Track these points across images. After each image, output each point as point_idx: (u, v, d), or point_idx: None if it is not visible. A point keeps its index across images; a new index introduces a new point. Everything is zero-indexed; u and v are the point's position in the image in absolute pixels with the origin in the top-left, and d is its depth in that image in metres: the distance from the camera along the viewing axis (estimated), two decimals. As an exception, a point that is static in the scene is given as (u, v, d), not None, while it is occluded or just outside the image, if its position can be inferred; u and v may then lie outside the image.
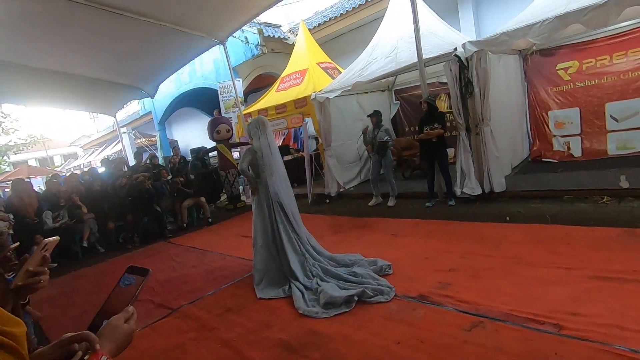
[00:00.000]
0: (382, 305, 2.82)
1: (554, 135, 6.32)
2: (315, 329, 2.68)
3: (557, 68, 6.16)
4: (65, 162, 27.81)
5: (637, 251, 2.89)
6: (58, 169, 23.07)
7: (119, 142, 13.00)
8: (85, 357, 0.70)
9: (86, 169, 12.03)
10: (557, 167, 5.69)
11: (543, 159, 6.28)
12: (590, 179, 4.72)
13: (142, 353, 2.79)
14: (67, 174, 10.02)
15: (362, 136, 6.09)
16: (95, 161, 18.49)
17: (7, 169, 23.02)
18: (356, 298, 2.90)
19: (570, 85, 6.10)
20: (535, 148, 6.52)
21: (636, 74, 5.49)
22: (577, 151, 6.07)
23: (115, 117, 10.59)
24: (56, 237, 0.98)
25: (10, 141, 21.67)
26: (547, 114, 6.40)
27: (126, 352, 2.60)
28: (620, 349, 1.89)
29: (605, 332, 2.02)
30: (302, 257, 3.52)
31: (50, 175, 8.40)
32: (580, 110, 6.04)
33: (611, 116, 5.76)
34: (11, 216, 5.68)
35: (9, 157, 23.87)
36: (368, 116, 5.88)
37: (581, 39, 5.82)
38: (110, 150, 17.37)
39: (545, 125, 6.43)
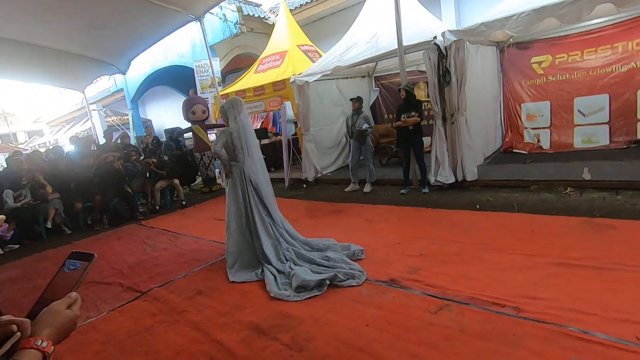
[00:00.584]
0: (353, 289, 2.86)
1: (525, 128, 6.52)
2: (287, 311, 2.70)
3: (531, 61, 6.30)
4: (29, 139, 26.32)
5: (594, 240, 3.06)
6: (21, 146, 21.82)
7: (88, 119, 12.38)
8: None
9: (51, 147, 11.44)
10: (526, 158, 5.88)
11: (514, 150, 6.47)
12: (556, 171, 4.91)
13: (108, 336, 2.73)
14: (31, 151, 9.49)
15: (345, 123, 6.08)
16: (62, 139, 17.61)
17: (-35, 144, 21.61)
18: (328, 282, 2.94)
19: (543, 79, 6.27)
20: (507, 139, 6.71)
21: (604, 70, 5.70)
22: (546, 143, 6.29)
23: (84, 93, 10.06)
24: (1, 216, 0.92)
25: (-33, 115, 20.30)
26: (520, 106, 6.58)
27: (90, 336, 2.53)
28: (572, 330, 2.01)
29: (560, 315, 2.14)
30: (276, 241, 3.51)
31: (12, 152, 7.94)
32: (551, 104, 6.24)
33: (579, 110, 5.99)
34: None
35: (-34, 132, 22.40)
36: (351, 100, 5.85)
37: (555, 34, 5.96)
38: (79, 128, 16.57)
39: (517, 117, 6.62)
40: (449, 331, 2.19)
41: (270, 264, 3.36)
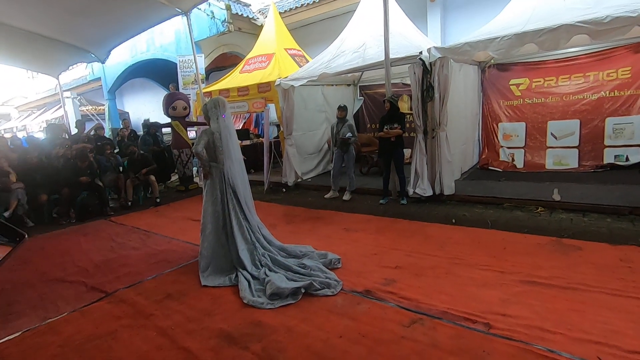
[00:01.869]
0: (328, 299, 2.84)
1: (502, 146, 6.75)
2: (259, 319, 2.64)
3: (510, 83, 6.56)
4: (-6, 122, 24.87)
5: (560, 259, 3.18)
6: (-15, 129, 20.56)
7: (60, 107, 11.82)
8: None
9: (19, 133, 10.86)
10: (501, 176, 6.09)
11: (490, 167, 6.68)
12: (528, 190, 5.10)
13: (66, 339, 2.58)
14: (-5, 137, 8.95)
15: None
16: (31, 125, 16.73)
17: None
18: (303, 290, 2.90)
19: (520, 100, 6.54)
20: (484, 156, 6.93)
21: (576, 97, 6.01)
22: (519, 163, 6.54)
23: (58, 79, 9.63)
24: None
25: None
26: (497, 126, 6.82)
27: (47, 338, 2.38)
28: (538, 348, 2.06)
29: (528, 333, 2.20)
30: (252, 246, 3.44)
31: (-27, 136, 7.46)
32: (526, 125, 6.50)
33: (552, 133, 6.27)
34: None
35: None
36: (338, 108, 5.85)
37: (534, 58, 6.24)
38: (51, 115, 15.79)
39: (494, 136, 6.85)
40: (420, 346, 2.20)
41: (244, 269, 3.28)
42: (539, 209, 4.50)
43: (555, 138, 6.26)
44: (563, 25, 3.91)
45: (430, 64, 4.94)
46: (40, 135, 10.41)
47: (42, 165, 6.23)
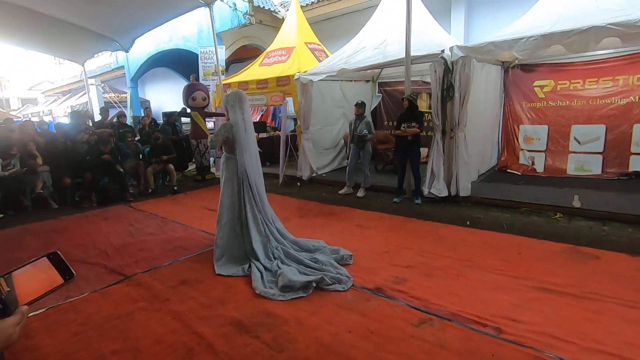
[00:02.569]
0: (338, 294, 2.88)
1: (522, 149, 6.61)
2: (270, 310, 2.70)
3: (534, 84, 6.39)
4: (22, 106, 25.79)
5: (577, 267, 3.12)
6: (14, 112, 21.36)
7: (85, 93, 12.16)
8: None
9: (45, 118, 11.23)
10: (519, 180, 5.97)
11: (508, 170, 6.56)
12: (547, 195, 4.99)
13: (88, 317, 2.70)
14: (23, 120, 9.29)
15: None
16: (56, 110, 17.29)
17: (-45, 105, 21.12)
18: (314, 284, 2.94)
19: (544, 103, 6.36)
20: (502, 158, 6.80)
21: (603, 101, 5.81)
22: (540, 167, 6.39)
23: (83, 66, 9.90)
24: None
25: (-40, 75, 19.82)
26: (518, 128, 6.67)
27: (69, 316, 2.49)
28: (549, 356, 2.04)
29: (539, 340, 2.18)
30: (266, 238, 3.50)
31: (3, 120, 7.77)
32: (549, 128, 6.34)
33: (575, 138, 6.10)
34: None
35: (-43, 93, 21.86)
36: (355, 105, 5.84)
37: (560, 60, 6.05)
38: (75, 101, 16.27)
39: (515, 138, 6.71)
40: (429, 345, 2.21)
41: (258, 260, 3.35)
42: (557, 215, 4.41)
43: (579, 143, 6.08)
44: (593, 27, 3.79)
45: (452, 62, 4.86)
46: (65, 121, 10.74)
47: (66, 150, 6.45)
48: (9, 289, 0.69)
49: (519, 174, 6.39)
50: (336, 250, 3.53)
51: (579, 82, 6.01)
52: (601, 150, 5.88)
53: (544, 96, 6.34)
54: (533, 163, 6.46)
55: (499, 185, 5.74)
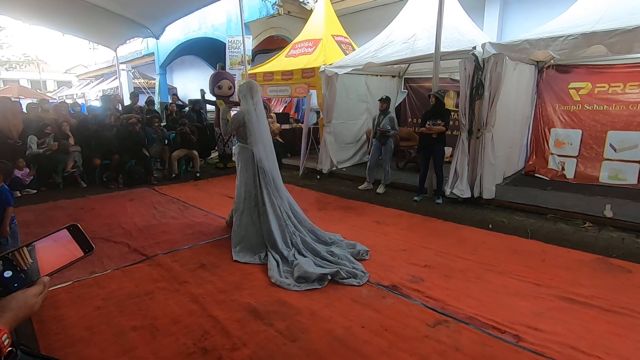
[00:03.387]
0: (353, 288, 2.87)
1: (552, 153, 6.35)
2: (284, 299, 2.72)
3: (569, 86, 6.11)
4: (58, 88, 26.89)
5: (605, 279, 2.98)
6: (50, 94, 22.31)
7: (116, 78, 12.54)
8: None
9: (78, 100, 11.65)
10: (547, 185, 5.75)
11: (536, 175, 6.32)
12: (576, 202, 4.79)
13: (109, 293, 2.81)
14: (58, 101, 9.68)
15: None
16: (89, 93, 17.92)
17: (-3, 84, 22.22)
18: (329, 277, 2.95)
19: (579, 106, 6.07)
20: (530, 162, 6.55)
21: (645, 107, 5.48)
22: (570, 173, 6.13)
23: (115, 51, 10.17)
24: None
25: (2, 56, 20.80)
26: (549, 131, 6.40)
27: (93, 290, 2.57)
28: (570, 368, 1.97)
29: (560, 351, 2.10)
30: (283, 223, 3.51)
31: (38, 100, 8.11)
32: (583, 133, 6.05)
33: (610, 145, 5.79)
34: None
35: (0, 73, 23.00)
36: (380, 100, 5.76)
37: (599, 61, 5.75)
38: (107, 85, 16.81)
39: (545, 142, 6.45)
40: (443, 347, 2.17)
41: (276, 245, 3.37)
42: (587, 224, 4.22)
43: (614, 150, 5.78)
44: (639, 27, 3.56)
45: (483, 60, 4.70)
46: (97, 104, 11.11)
47: (96, 132, 6.68)
48: (32, 261, 0.71)
49: (547, 179, 6.15)
50: (353, 245, 3.52)
51: (619, 86, 5.69)
52: (639, 158, 5.57)
53: (579, 99, 6.05)
54: (563, 168, 6.19)
55: (525, 189, 5.55)
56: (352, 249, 3.47)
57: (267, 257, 3.33)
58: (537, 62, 6.26)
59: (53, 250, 0.74)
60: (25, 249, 0.72)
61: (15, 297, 0.68)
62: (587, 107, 6.00)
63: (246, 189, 3.63)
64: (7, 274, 0.68)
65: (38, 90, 22.09)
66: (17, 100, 11.01)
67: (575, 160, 6.12)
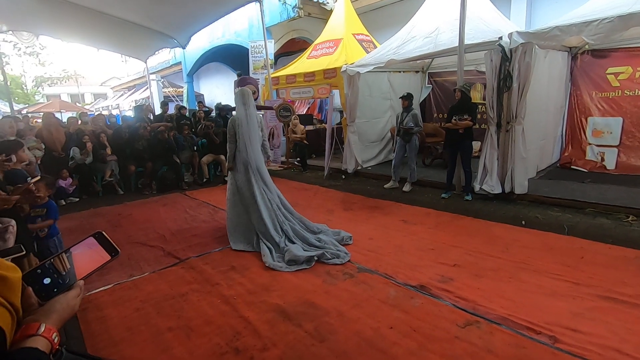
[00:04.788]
0: (381, 289, 2.86)
1: (589, 144, 6.01)
2: (312, 300, 2.75)
3: (607, 72, 5.75)
4: (95, 100, 28.48)
5: (653, 277, 2.80)
6: (87, 106, 23.67)
7: (147, 88, 13.13)
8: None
9: (113, 111, 12.29)
10: (585, 177, 5.45)
11: (572, 167, 6.01)
12: (618, 195, 4.51)
13: (147, 296, 2.95)
14: (96, 114, 10.27)
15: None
16: (123, 103, 18.86)
17: (41, 100, 23.81)
18: (316, 258, 3.37)
19: (618, 92, 5.71)
20: (566, 154, 6.24)
21: (694, 90, 5.07)
22: (610, 163, 5.77)
23: (145, 62, 10.64)
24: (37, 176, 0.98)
25: (45, 73, 22.28)
26: (586, 120, 6.06)
27: (132, 293, 2.72)
28: (612, 372, 1.87)
29: (602, 353, 2.00)
30: (273, 214, 3.85)
31: (78, 113, 8.63)
32: (624, 121, 5.68)
33: (655, 132, 5.41)
34: (43, 146, 5.93)
35: (43, 89, 24.65)
36: (400, 98, 5.70)
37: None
38: (139, 96, 17.63)
39: (582, 132, 6.11)
40: (475, 349, 2.12)
41: (267, 234, 3.70)
42: (630, 218, 3.96)
43: (660, 137, 5.39)
44: (684, 4, 3.31)
45: (511, 50, 4.52)
46: (130, 114, 11.68)
47: (131, 141, 7.03)
48: (69, 266, 0.78)
49: (586, 171, 5.83)
50: (337, 233, 3.91)
51: (663, 68, 5.30)
52: (688, 145, 5.17)
53: (618, 84, 5.68)
54: (603, 159, 5.85)
55: (561, 182, 5.29)
56: (337, 235, 3.84)
57: (259, 245, 3.69)
58: (570, 48, 5.95)
59: (84, 256, 0.82)
60: (63, 255, 0.79)
61: (58, 300, 0.74)
62: (628, 93, 5.62)
63: (239, 185, 3.94)
64: (46, 281, 0.75)
65: (77, 104, 23.51)
66: (60, 114, 11.77)
67: (616, 150, 5.75)
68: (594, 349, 2.03)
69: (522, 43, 4.41)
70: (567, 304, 2.50)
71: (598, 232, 3.71)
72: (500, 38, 4.62)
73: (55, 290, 0.75)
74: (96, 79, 30.70)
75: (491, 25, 5.41)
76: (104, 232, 0.85)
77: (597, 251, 3.29)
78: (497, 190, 4.85)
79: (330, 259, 3.35)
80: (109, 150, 6.69)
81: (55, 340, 0.69)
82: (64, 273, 0.77)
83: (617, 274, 2.86)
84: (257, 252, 3.66)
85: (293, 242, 3.67)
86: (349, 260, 3.35)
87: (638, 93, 5.54)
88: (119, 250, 0.84)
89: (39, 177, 2.86)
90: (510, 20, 6.50)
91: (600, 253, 3.25)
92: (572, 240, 3.57)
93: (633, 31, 3.79)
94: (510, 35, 4.52)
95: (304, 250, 3.50)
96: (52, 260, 0.78)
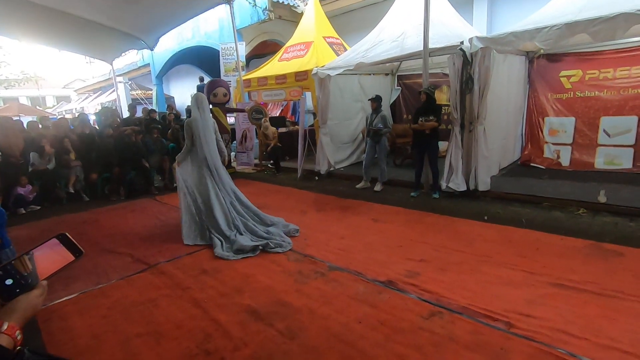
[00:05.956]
0: (350, 286, 2.94)
1: (546, 142, 6.38)
2: (284, 300, 2.80)
3: (560, 75, 6.14)
4: (57, 103, 27.15)
5: (597, 264, 3.04)
6: (49, 110, 22.54)
7: (114, 90, 12.69)
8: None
9: (77, 115, 11.80)
10: (543, 174, 5.79)
11: (532, 164, 6.37)
12: (571, 190, 4.83)
13: (115, 303, 2.89)
14: (58, 117, 9.83)
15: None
16: (88, 107, 18.11)
17: (-3, 103, 22.45)
18: (261, 247, 3.73)
19: (571, 94, 6.11)
20: (526, 152, 6.60)
21: (636, 91, 5.51)
22: (565, 160, 6.16)
23: (112, 64, 10.32)
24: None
25: (1, 75, 21.03)
26: (543, 120, 6.44)
27: (98, 301, 2.67)
28: (560, 352, 2.03)
29: (551, 335, 2.16)
30: (226, 209, 4.13)
31: (39, 117, 8.25)
32: (576, 120, 6.08)
33: (604, 130, 5.82)
34: (-2, 152, 5.63)
35: (-1, 92, 23.25)
36: (369, 100, 5.84)
37: (588, 48, 5.78)
38: (105, 98, 17.00)
39: (539, 131, 6.48)
40: (437, 337, 2.24)
41: (219, 228, 3.98)
42: (581, 211, 4.27)
43: (609, 135, 5.81)
44: (621, 14, 3.61)
45: (471, 54, 4.76)
46: (94, 118, 11.24)
47: (95, 146, 6.79)
48: (31, 267, 0.80)
49: (543, 167, 6.20)
50: (286, 225, 4.24)
51: (609, 72, 5.72)
52: (633, 143, 5.59)
53: (571, 87, 6.09)
54: (558, 157, 6.23)
55: (521, 179, 5.59)
56: (286, 228, 4.18)
57: (211, 239, 3.95)
58: (527, 52, 6.31)
59: (48, 257, 0.83)
60: (25, 257, 0.80)
61: (20, 300, 0.76)
62: (579, 94, 6.04)
63: (193, 182, 4.21)
64: (9, 282, 0.76)
65: (38, 107, 22.32)
66: (18, 118, 11.18)
67: (570, 147, 6.15)
68: (544, 332, 2.20)
69: (481, 47, 4.65)
70: (522, 292, 2.68)
71: (553, 224, 3.97)
72: (462, 43, 4.85)
73: (17, 290, 0.76)
74: (58, 81, 29.27)
75: (454, 30, 5.66)
76: (67, 234, 0.86)
77: (551, 242, 3.53)
78: (463, 187, 5.07)
79: (273, 248, 3.72)
80: (72, 155, 6.44)
81: (19, 338, 0.71)
82: (26, 274, 0.79)
83: (567, 262, 3.09)
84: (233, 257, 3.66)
85: (242, 234, 3.99)
86: (290, 249, 3.70)
87: (588, 94, 5.95)
88: (83, 250, 0.85)
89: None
90: (472, 26, 6.81)
91: (554, 244, 3.49)
92: (529, 232, 3.80)
93: (582, 37, 4.08)
94: (470, 40, 4.76)
95: (251, 241, 3.83)
96: (12, 261, 0.79)
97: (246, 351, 2.23)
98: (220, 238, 3.91)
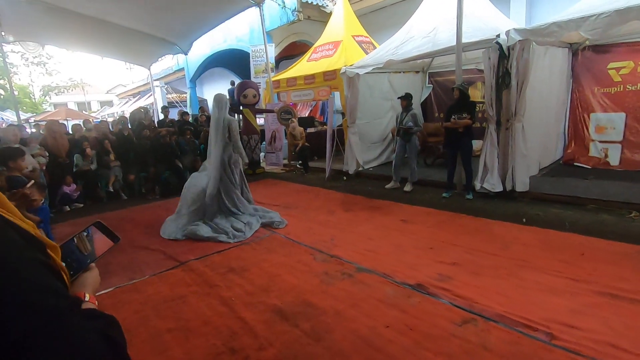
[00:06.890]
0: (378, 288, 2.86)
1: (592, 140, 5.94)
2: (310, 300, 2.76)
3: (608, 67, 5.69)
4: (101, 108, 28.87)
5: (654, 272, 2.76)
6: (94, 114, 24.00)
7: (151, 94, 13.29)
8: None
9: (117, 118, 12.44)
10: (588, 174, 5.40)
11: (575, 163, 5.96)
12: (621, 191, 4.46)
13: (147, 298, 2.99)
14: (100, 120, 10.42)
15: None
16: (128, 111, 19.09)
17: (48, 109, 24.21)
18: (218, 240, 4.12)
19: (620, 87, 5.64)
20: (569, 151, 6.18)
21: (697, 83, 5.00)
22: (614, 159, 5.70)
23: (149, 69, 10.81)
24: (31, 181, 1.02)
25: (52, 82, 22.65)
26: (588, 116, 6.00)
27: (132, 295, 2.76)
28: (609, 368, 1.85)
29: (598, 349, 1.98)
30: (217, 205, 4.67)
31: (82, 121, 8.76)
32: (627, 116, 5.61)
33: (660, 126, 5.34)
34: (47, 153, 6.03)
35: (50, 98, 25.06)
36: (399, 98, 5.71)
37: (641, 38, 5.32)
38: (144, 102, 17.82)
39: (584, 128, 6.05)
40: (471, 346, 2.12)
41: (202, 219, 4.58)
42: (633, 214, 3.92)
43: (664, 132, 5.32)
44: (681, -3, 3.28)
45: (509, 47, 4.51)
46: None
47: (133, 146, 7.11)
48: (90, 247, 0.84)
49: (589, 167, 5.77)
50: (272, 217, 4.60)
51: (665, 62, 5.23)
52: (692, 139, 5.09)
53: (620, 80, 5.62)
54: (606, 155, 5.78)
55: (564, 179, 5.24)
56: (271, 220, 4.54)
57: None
58: (571, 44, 5.91)
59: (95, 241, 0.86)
60: (86, 239, 0.85)
61: (86, 276, 0.80)
62: (630, 88, 5.56)
63: (197, 189, 4.76)
64: (73, 256, 0.80)
65: (84, 112, 23.85)
66: (65, 122, 11.97)
67: (619, 145, 5.68)
68: (590, 345, 2.01)
69: (519, 40, 4.39)
70: (565, 300, 2.48)
71: (599, 228, 3.67)
72: (498, 36, 4.61)
73: (79, 267, 0.80)
74: (102, 87, 31.15)
75: (489, 23, 5.41)
76: (101, 221, 0.89)
77: (598, 247, 3.26)
78: (498, 188, 4.82)
79: (232, 238, 4.14)
80: (112, 156, 6.78)
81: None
82: (86, 253, 0.83)
83: (616, 269, 2.83)
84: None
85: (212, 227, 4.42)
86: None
87: (640, 88, 5.47)
88: (119, 237, 0.88)
89: (32, 182, 2.92)
90: (509, 19, 6.48)
91: (601, 249, 3.22)
92: (573, 236, 3.54)
93: (634, 25, 3.76)
94: (507, 32, 4.51)
95: (213, 232, 4.29)
96: (75, 238, 0.83)
97: (271, 351, 2.22)
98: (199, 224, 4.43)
